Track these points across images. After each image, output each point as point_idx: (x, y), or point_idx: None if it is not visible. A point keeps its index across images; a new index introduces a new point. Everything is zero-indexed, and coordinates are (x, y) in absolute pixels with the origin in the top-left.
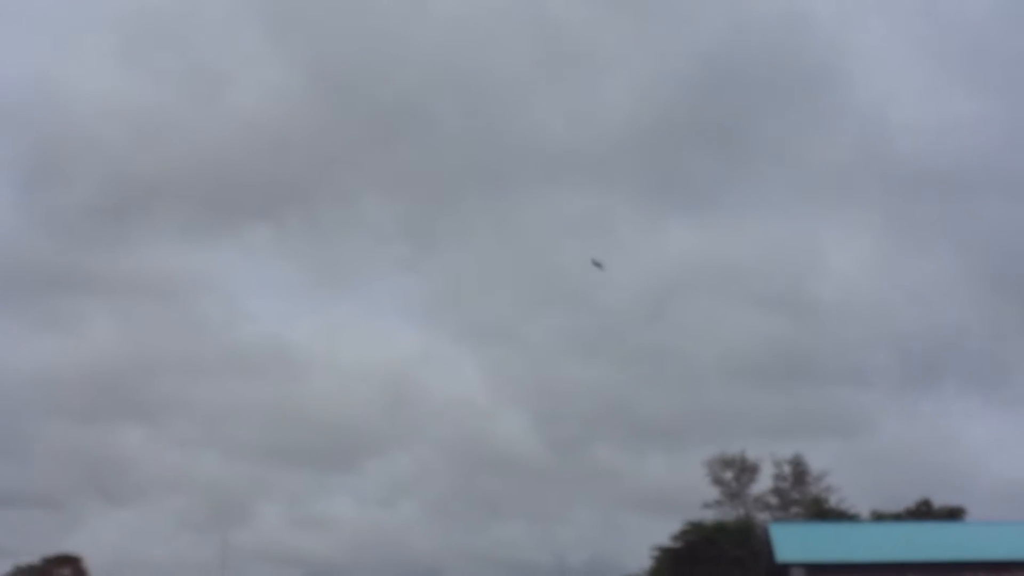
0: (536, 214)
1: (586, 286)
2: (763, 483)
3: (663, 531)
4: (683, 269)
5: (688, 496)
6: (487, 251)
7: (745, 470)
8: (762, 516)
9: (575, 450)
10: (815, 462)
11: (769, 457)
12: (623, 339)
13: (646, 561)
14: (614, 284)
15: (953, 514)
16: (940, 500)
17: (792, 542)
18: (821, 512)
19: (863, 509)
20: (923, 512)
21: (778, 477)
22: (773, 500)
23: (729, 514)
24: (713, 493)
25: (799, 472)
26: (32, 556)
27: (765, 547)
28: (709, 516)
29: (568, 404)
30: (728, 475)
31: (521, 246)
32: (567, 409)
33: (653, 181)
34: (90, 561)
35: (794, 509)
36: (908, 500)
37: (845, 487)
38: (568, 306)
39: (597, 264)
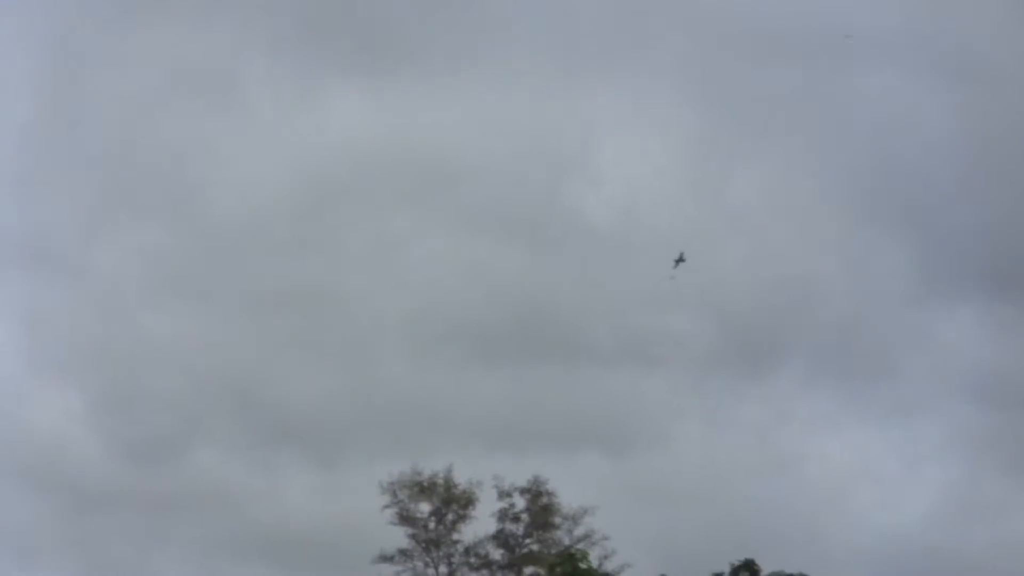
0: (111, 53)
1: (196, 184)
2: (481, 524)
3: None
4: (350, 161)
5: (354, 541)
6: (23, 110)
7: (451, 501)
8: None
9: (164, 457)
10: (567, 492)
11: (490, 482)
12: (249, 274)
13: None
14: (229, 183)
15: None
16: (770, 563)
17: None
18: None
19: (645, 574)
20: None
21: (505, 515)
22: (496, 553)
23: (423, 574)
24: (397, 537)
25: (541, 508)
26: None
27: None
28: None
29: (157, 382)
30: (423, 509)
31: (85, 105)
32: (154, 391)
33: (307, 16)
34: None
35: (531, 571)
36: (718, 561)
37: (617, 536)
38: (161, 218)
39: (682, 260)
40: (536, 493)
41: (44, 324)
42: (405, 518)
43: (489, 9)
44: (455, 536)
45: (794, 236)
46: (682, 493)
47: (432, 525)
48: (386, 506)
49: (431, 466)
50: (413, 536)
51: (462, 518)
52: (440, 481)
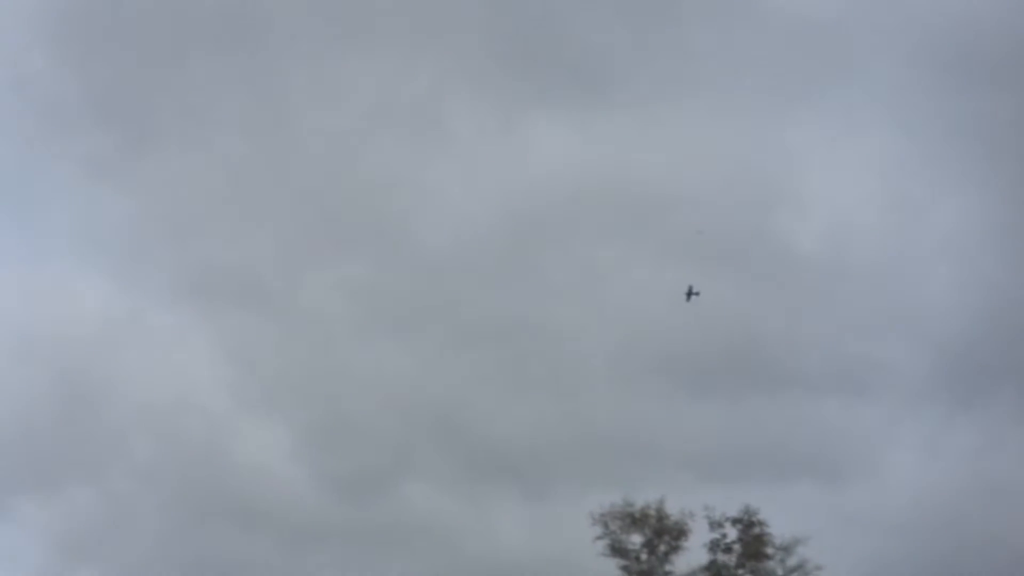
0: (319, 89)
1: (403, 218)
2: (693, 555)
3: None
4: (554, 193)
5: (564, 573)
6: (233, 148)
7: (664, 532)
8: None
9: (373, 491)
10: (780, 522)
11: (701, 512)
12: (455, 307)
13: None
14: (434, 216)
15: None
16: None
17: None
18: None
19: None
20: None
21: (717, 545)
22: None
23: None
24: (608, 569)
25: (753, 538)
26: None
27: None
28: None
29: (365, 417)
30: (634, 540)
31: (292, 141)
32: (362, 425)
33: (511, 50)
34: None
35: None
36: None
37: (830, 566)
38: (368, 252)
39: (694, 293)
40: (748, 523)
41: (252, 360)
42: (617, 550)
43: (693, 39)
44: (667, 567)
45: (1002, 262)
46: (895, 521)
47: (644, 556)
48: (597, 537)
49: (642, 497)
50: (625, 568)
51: (674, 549)
52: (652, 512)
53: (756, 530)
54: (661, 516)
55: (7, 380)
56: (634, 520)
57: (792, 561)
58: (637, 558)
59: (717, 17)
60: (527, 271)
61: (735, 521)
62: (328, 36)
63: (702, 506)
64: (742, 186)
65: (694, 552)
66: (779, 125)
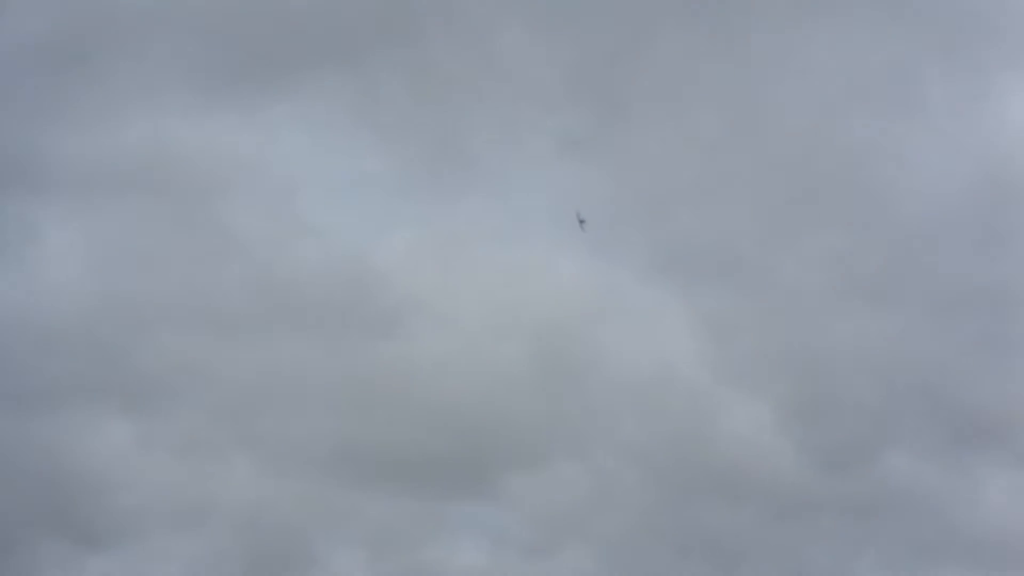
0: (791, 61)
1: (879, 187)
2: None
3: None
4: None
5: None
6: (707, 122)
7: None
8: None
9: (858, 464)
10: None
11: None
12: (935, 275)
13: None
14: (911, 184)
15: None
16: None
17: None
18: None
19: None
20: None
21: None
22: None
23: None
24: None
25: None
26: None
27: None
28: None
29: (845, 387)
30: None
31: (765, 114)
32: (843, 396)
33: (979, 13)
34: None
35: None
36: None
37: None
38: (844, 223)
39: (581, 220)
40: None
41: (732, 333)
42: None
43: None
44: None
45: None
46: None
47: None
48: None
49: None
50: None
51: None
52: None
53: None
54: None
55: (491, 359)
56: None
57: None
58: None
59: None
60: (1006, 236)
61: None
62: (795, 5)
63: None
64: None
65: None
66: None
